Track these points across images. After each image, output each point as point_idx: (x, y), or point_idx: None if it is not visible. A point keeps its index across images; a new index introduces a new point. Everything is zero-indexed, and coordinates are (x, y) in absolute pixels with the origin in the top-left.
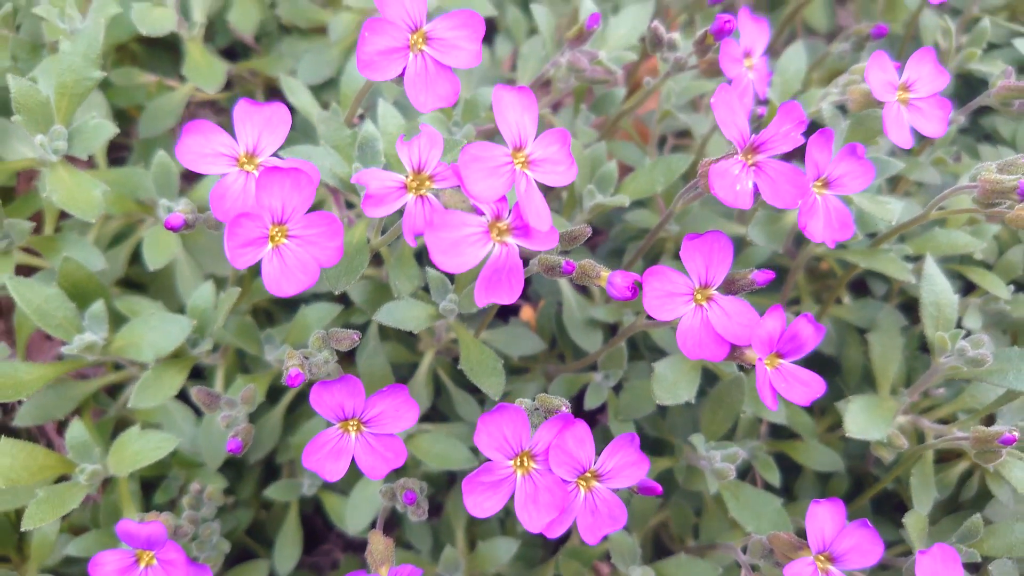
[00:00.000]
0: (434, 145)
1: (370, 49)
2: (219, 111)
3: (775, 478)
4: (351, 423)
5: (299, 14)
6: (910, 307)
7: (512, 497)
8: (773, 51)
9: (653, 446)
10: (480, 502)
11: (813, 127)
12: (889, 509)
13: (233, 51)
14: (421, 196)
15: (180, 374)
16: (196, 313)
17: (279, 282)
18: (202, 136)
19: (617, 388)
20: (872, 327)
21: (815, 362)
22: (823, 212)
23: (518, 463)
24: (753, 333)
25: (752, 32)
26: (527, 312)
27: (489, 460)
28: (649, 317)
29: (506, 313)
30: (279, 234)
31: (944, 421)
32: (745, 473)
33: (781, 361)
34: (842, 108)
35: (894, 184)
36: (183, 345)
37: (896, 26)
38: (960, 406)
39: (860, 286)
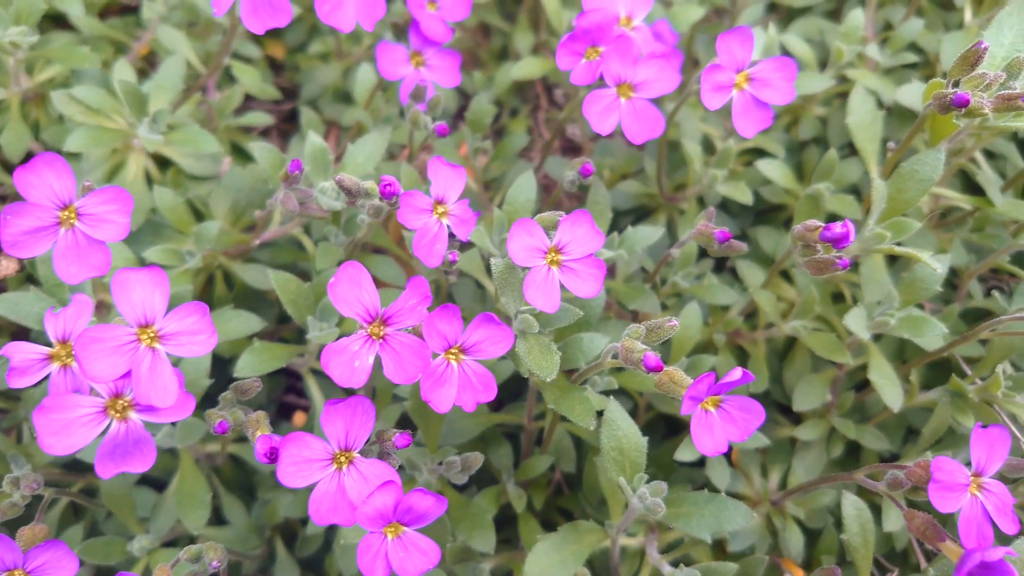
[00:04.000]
0: (82, 314)
1: (13, 231)
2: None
3: None
4: (16, 572)
5: (64, 137)
6: (654, 425)
7: None
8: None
9: None
10: None
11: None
12: None
13: None
14: (65, 366)
15: None
16: None
17: None
18: None
19: None
20: None
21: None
22: (458, 377)
23: None
24: (357, 512)
25: (445, 179)
26: (300, 418)
27: None
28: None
29: (282, 416)
30: None
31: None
32: None
33: (405, 529)
34: None
35: None
36: None
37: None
38: None
39: None
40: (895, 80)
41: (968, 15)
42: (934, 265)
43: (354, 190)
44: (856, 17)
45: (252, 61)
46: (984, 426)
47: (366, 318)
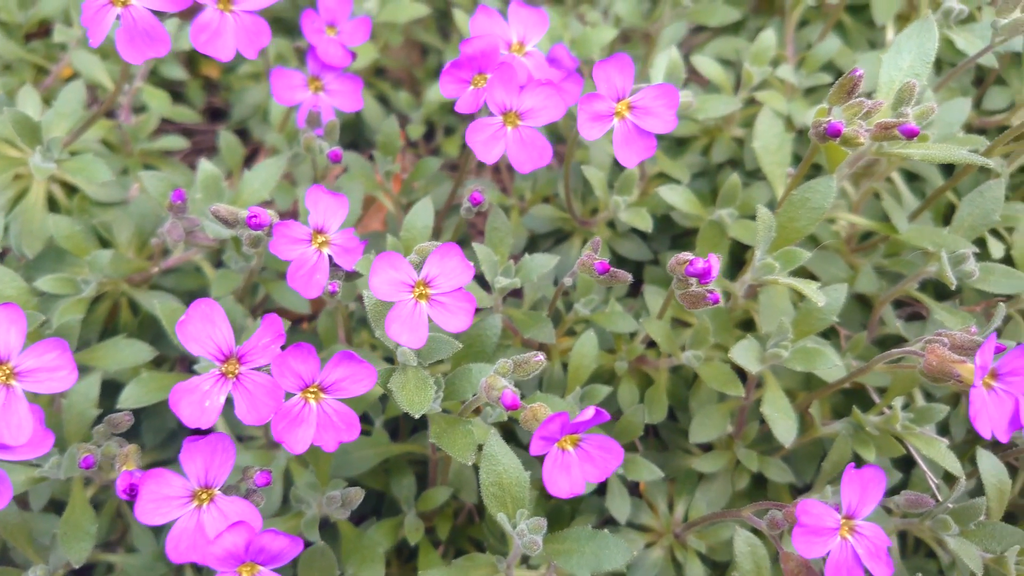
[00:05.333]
0: None
1: None
2: None
3: None
4: None
5: None
6: None
7: None
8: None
9: None
10: None
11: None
12: None
13: None
14: None
15: None
16: None
17: None
18: None
19: None
20: None
21: None
22: (316, 418)
23: None
24: (207, 552)
25: (326, 208)
26: None
27: None
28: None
29: None
30: None
31: None
32: None
33: (261, 569)
34: None
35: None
36: None
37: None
38: None
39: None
40: (813, 101)
41: (890, 34)
42: (816, 297)
43: (230, 220)
44: (767, 38)
45: (183, 81)
46: (858, 466)
47: (219, 357)
